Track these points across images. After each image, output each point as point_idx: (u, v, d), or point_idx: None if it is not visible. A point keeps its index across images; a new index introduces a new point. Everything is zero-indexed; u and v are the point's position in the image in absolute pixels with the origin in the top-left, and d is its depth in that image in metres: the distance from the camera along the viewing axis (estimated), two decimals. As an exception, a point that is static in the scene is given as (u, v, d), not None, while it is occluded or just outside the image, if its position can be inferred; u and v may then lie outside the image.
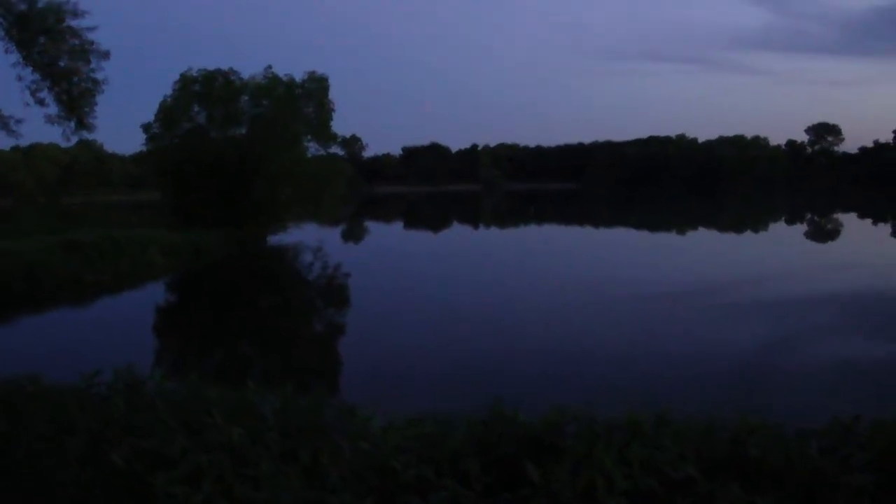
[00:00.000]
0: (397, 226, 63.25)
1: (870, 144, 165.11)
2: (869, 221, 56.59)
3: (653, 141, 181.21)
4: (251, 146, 38.25)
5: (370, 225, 61.95)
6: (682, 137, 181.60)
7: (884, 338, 15.12)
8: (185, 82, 39.81)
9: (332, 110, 41.38)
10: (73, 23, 25.63)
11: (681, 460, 3.96)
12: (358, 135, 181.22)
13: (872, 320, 17.04)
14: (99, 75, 26.87)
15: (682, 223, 56.81)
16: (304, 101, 40.65)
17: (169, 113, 39.80)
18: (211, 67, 40.29)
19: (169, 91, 40.27)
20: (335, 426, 4.50)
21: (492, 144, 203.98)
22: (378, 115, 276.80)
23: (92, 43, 26.21)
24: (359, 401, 5.35)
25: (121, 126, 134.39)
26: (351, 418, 4.76)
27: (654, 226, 55.02)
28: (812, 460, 4.03)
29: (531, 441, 4.26)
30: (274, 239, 39.85)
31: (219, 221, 35.41)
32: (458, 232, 55.31)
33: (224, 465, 3.88)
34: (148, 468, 4.00)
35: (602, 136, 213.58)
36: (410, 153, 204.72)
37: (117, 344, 15.08)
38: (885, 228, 50.46)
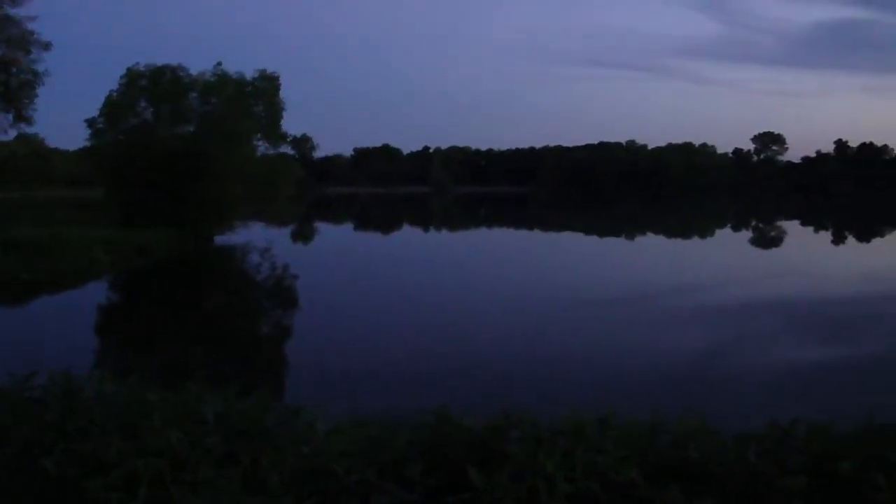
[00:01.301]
0: (347, 227, 62.94)
1: (812, 154, 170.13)
2: (811, 229, 58.07)
3: (603, 146, 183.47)
4: (199, 144, 37.63)
5: (320, 226, 61.54)
6: (631, 143, 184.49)
7: (823, 342, 15.49)
8: (132, 77, 38.97)
9: (283, 109, 41.02)
10: (12, 11, 24.97)
11: (623, 464, 3.99)
12: (309, 134, 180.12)
13: (813, 325, 17.47)
14: (39, 66, 26.22)
15: (630, 228, 57.60)
16: (255, 99, 40.17)
17: (114, 108, 38.86)
18: (159, 62, 39.60)
19: (115, 86, 39.47)
20: (278, 429, 4.45)
21: (443, 147, 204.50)
22: (330, 115, 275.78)
23: (32, 33, 25.60)
24: (305, 402, 5.28)
25: (66, 120, 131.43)
26: (295, 421, 4.71)
27: (602, 230, 55.73)
28: (750, 463, 4.09)
29: (476, 445, 4.26)
30: (221, 239, 39.30)
31: (165, 220, 34.74)
32: (409, 234, 55.28)
33: (162, 470, 3.80)
34: (82, 474, 3.90)
35: (553, 141, 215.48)
36: (362, 154, 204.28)
37: (55, 345, 14.69)
38: (825, 236, 51.78)
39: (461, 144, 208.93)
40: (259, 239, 39.58)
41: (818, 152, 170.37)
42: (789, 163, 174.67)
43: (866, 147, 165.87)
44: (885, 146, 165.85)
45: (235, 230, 40.46)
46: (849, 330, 16.85)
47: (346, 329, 16.70)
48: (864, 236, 50.63)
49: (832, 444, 4.40)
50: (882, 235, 51.94)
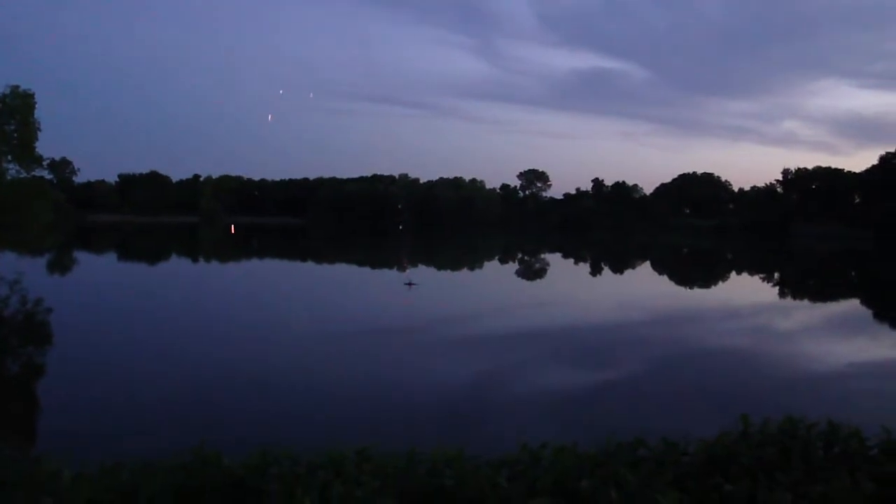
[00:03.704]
0: (110, 257, 59.30)
1: (572, 191, 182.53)
2: (571, 261, 62.47)
3: (376, 179, 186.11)
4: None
5: (80, 256, 57.48)
6: (404, 177, 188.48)
7: (576, 367, 16.58)
8: None
9: (38, 130, 38.24)
10: None
11: (381, 495, 4.08)
12: (69, 158, 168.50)
13: (577, 351, 18.66)
14: None
15: (403, 261, 58.82)
16: (5, 117, 37.11)
17: None
18: None
19: None
20: (16, 481, 4.13)
21: (214, 176, 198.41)
22: (93, 138, 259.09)
23: None
24: (54, 449, 4.95)
25: None
26: (36, 471, 4.39)
27: (374, 263, 56.47)
28: (501, 488, 4.32)
29: (234, 485, 4.18)
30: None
31: None
32: (176, 265, 53.02)
33: None
34: None
35: (327, 173, 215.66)
36: (127, 181, 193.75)
37: None
38: (584, 267, 55.83)
39: (233, 173, 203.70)
40: (8, 270, 36.37)
41: (578, 189, 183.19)
42: (552, 199, 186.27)
43: (619, 186, 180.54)
44: (636, 185, 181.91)
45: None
46: (600, 355, 18.19)
47: (102, 368, 15.72)
48: (617, 268, 55.51)
49: (575, 464, 4.75)
50: (633, 267, 56.94)
